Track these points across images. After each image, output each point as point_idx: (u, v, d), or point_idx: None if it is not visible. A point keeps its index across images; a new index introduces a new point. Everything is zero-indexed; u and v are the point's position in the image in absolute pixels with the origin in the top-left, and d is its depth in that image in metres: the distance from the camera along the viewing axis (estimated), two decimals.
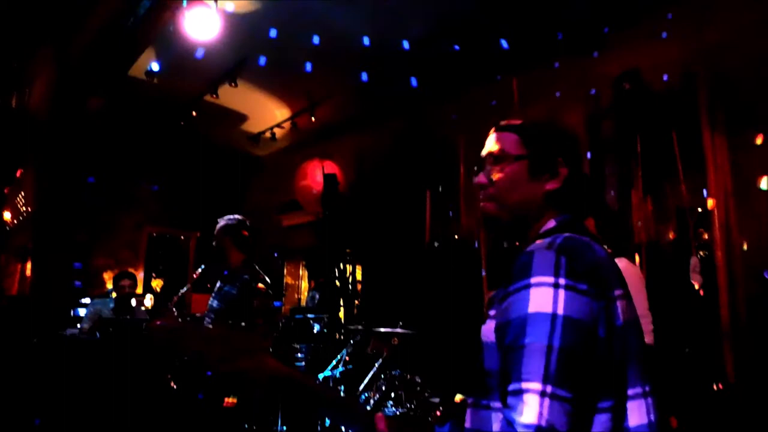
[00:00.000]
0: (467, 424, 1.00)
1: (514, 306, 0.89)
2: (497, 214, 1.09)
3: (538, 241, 0.96)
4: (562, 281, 0.87)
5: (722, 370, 3.30)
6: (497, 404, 0.87)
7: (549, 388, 0.81)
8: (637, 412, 0.91)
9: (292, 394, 1.09)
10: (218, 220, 3.10)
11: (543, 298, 0.86)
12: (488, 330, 0.97)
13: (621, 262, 2.45)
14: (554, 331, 0.84)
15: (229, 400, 2.58)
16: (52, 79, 5.75)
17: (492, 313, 0.96)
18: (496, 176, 1.08)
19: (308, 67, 5.05)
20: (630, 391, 0.91)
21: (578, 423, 0.83)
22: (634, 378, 0.92)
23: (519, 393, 0.83)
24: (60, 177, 5.72)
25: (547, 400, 0.81)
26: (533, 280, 0.88)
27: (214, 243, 3.05)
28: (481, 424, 0.97)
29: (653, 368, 0.97)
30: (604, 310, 0.89)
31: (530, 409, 0.81)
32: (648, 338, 2.42)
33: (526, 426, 0.80)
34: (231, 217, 3.10)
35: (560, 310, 0.85)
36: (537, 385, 0.82)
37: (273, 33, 4.56)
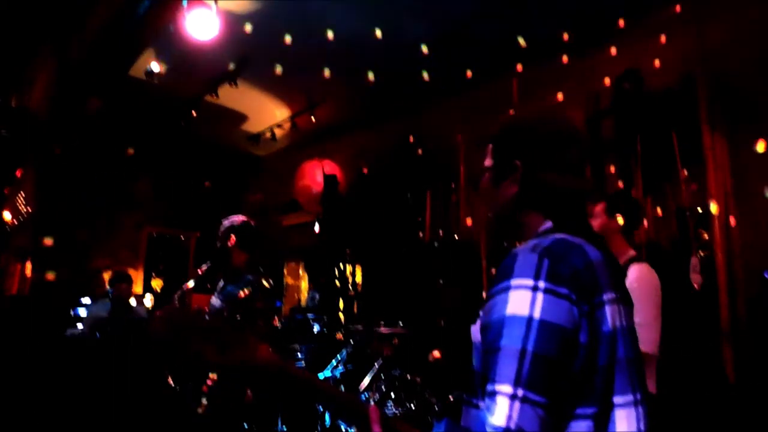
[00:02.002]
0: (462, 422, 1.00)
1: (494, 308, 0.89)
2: (491, 219, 1.14)
3: (526, 243, 0.96)
4: (541, 284, 0.86)
5: (722, 370, 3.29)
6: (483, 403, 0.87)
7: (520, 392, 0.81)
8: (625, 421, 0.89)
9: (285, 385, 1.10)
10: (222, 220, 3.11)
11: (521, 300, 0.86)
12: (476, 330, 0.97)
13: (638, 268, 2.41)
14: (529, 334, 0.84)
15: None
16: (52, 79, 5.75)
17: (480, 313, 0.96)
18: (480, 187, 1.15)
19: (311, 69, 5.04)
20: (618, 399, 0.90)
21: (551, 428, 0.82)
22: (624, 385, 0.90)
23: (493, 395, 0.83)
24: (60, 177, 5.72)
25: (517, 403, 0.81)
26: (513, 282, 0.88)
27: (218, 243, 3.05)
28: (471, 423, 0.97)
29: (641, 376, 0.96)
30: (586, 315, 0.88)
31: (500, 411, 0.81)
32: (650, 347, 2.33)
33: (495, 428, 0.81)
34: (235, 217, 3.12)
35: (537, 314, 0.84)
36: (508, 388, 0.82)
37: (273, 33, 4.55)
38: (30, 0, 4.79)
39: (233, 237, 3.02)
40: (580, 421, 0.87)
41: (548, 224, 1.03)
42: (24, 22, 5.07)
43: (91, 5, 4.71)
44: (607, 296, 0.92)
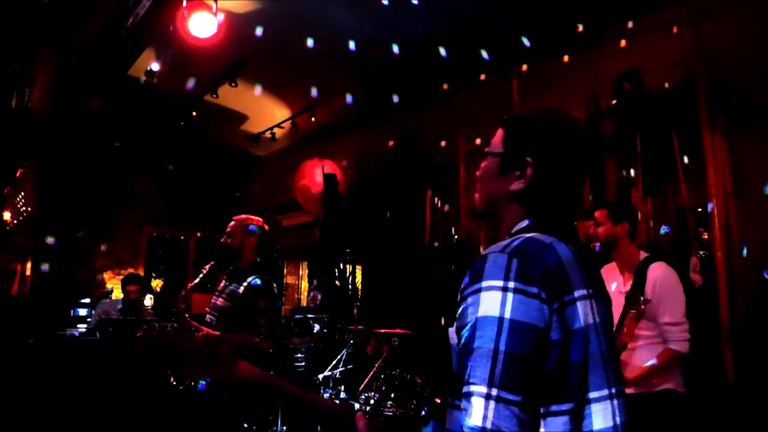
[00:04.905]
0: (447, 425, 1.01)
1: (467, 310, 0.90)
2: (477, 204, 1.14)
3: (497, 244, 0.97)
4: (511, 285, 0.87)
5: (722, 370, 3.29)
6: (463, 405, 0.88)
7: (494, 392, 0.82)
8: (601, 415, 0.91)
9: (271, 397, 1.14)
10: (234, 218, 3.09)
11: (492, 301, 0.87)
12: (453, 332, 0.98)
13: (659, 267, 2.44)
14: (501, 334, 0.84)
15: None
16: (52, 79, 5.76)
17: (456, 316, 0.97)
18: (480, 169, 1.13)
19: (311, 69, 5.04)
20: (593, 394, 0.91)
21: (528, 426, 0.83)
22: (599, 380, 0.92)
23: (468, 396, 0.84)
24: (60, 177, 5.73)
25: (492, 403, 0.82)
26: (484, 284, 0.89)
27: (229, 240, 3.02)
28: (454, 425, 0.97)
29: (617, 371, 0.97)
30: (557, 313, 0.89)
31: (476, 411, 0.82)
32: (680, 346, 2.37)
33: (472, 428, 0.82)
34: (251, 217, 3.11)
35: (507, 314, 0.85)
36: (482, 388, 0.83)
37: (274, 33, 4.56)
38: (30, 0, 4.79)
39: (249, 238, 3.02)
40: (556, 418, 0.88)
41: (525, 222, 1.04)
42: (24, 22, 5.07)
43: (91, 5, 4.72)
44: (578, 293, 0.93)
